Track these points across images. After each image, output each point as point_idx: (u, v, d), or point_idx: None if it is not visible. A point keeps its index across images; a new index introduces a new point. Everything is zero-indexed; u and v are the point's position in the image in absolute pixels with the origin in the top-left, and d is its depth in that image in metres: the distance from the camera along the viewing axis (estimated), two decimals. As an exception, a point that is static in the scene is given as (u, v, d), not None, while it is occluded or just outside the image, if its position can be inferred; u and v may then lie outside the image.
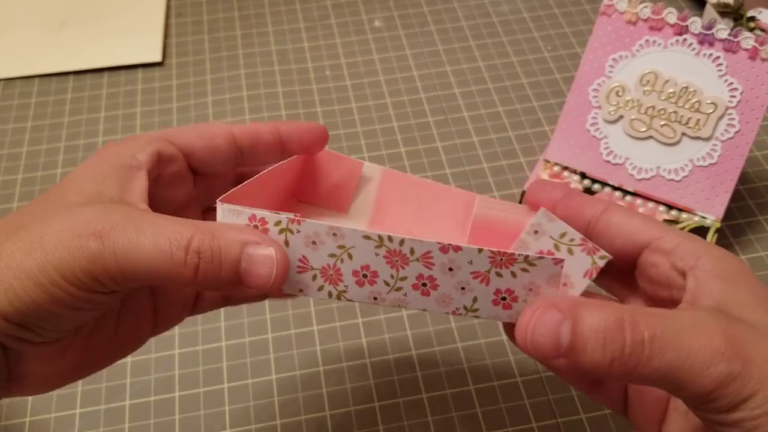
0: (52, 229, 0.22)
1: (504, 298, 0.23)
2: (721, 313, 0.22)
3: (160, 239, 0.21)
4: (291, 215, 0.22)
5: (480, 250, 0.21)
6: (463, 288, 0.22)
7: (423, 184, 0.32)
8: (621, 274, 0.28)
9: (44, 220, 0.22)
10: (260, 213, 0.23)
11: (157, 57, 0.62)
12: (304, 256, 0.23)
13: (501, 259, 0.21)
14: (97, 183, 0.24)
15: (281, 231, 0.23)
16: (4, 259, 0.22)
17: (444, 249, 0.22)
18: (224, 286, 0.22)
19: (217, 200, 0.23)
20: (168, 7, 0.67)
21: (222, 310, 0.45)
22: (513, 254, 0.21)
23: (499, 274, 0.22)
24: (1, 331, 0.22)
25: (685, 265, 0.24)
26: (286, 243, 0.23)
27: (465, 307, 0.23)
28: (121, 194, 0.24)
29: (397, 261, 0.22)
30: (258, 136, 0.29)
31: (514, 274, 0.22)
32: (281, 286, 0.23)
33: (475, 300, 0.23)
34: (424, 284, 0.23)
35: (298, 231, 0.22)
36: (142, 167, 0.25)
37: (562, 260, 0.22)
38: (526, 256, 0.21)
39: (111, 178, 0.25)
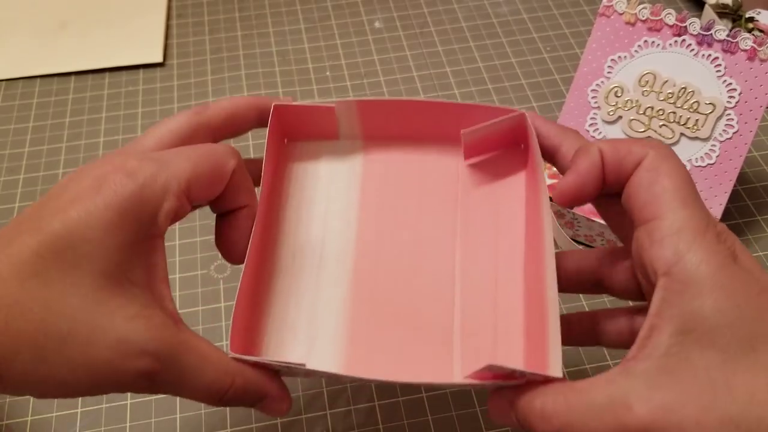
0: (97, 353, 0.23)
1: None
2: (652, 378, 0.22)
3: (201, 389, 0.25)
4: (296, 363, 0.25)
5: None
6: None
7: (402, 103, 0.33)
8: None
9: (79, 325, 0.23)
10: (263, 361, 0.26)
11: (158, 58, 0.62)
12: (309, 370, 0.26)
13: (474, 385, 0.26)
14: (120, 259, 0.24)
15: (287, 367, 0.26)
16: (43, 368, 0.22)
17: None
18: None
19: (230, 352, 0.26)
20: (169, 8, 0.67)
21: (222, 311, 0.45)
22: (484, 384, 0.26)
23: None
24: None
25: (661, 267, 0.23)
26: (291, 373, 0.27)
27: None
28: (148, 280, 0.25)
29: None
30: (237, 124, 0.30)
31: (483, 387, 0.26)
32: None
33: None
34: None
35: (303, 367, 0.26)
36: (161, 235, 0.25)
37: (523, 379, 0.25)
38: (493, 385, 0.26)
39: (136, 257, 0.24)
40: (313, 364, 0.29)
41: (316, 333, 0.30)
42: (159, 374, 0.24)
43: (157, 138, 0.28)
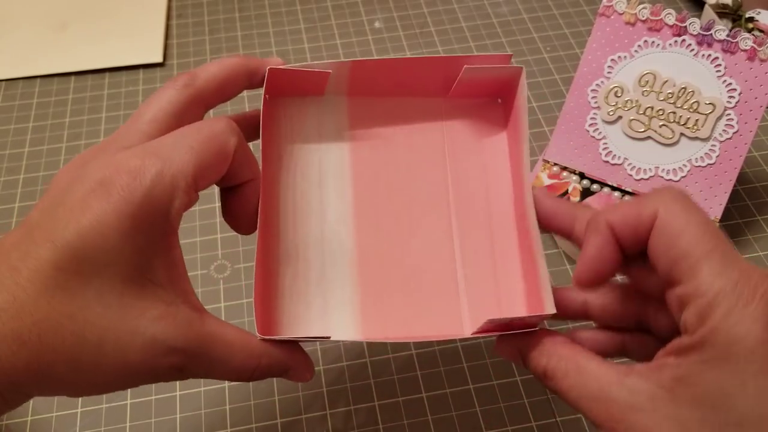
0: (129, 356, 0.24)
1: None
2: (654, 398, 0.22)
3: (229, 373, 0.26)
4: (322, 336, 0.28)
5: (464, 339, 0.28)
6: None
7: (395, 61, 0.34)
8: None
9: (106, 325, 0.23)
10: (292, 339, 0.28)
11: (158, 58, 0.62)
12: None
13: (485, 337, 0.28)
14: (138, 262, 0.24)
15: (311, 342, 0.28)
16: (78, 375, 0.24)
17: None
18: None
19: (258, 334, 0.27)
20: (169, 8, 0.67)
21: (222, 311, 0.45)
22: (493, 334, 0.28)
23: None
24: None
25: (695, 335, 0.22)
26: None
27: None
28: (169, 277, 0.25)
29: None
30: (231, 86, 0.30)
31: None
32: None
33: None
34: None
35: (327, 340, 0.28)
36: (174, 231, 0.25)
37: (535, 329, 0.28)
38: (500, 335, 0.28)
39: (154, 257, 0.25)
40: (335, 335, 0.30)
41: (328, 303, 0.31)
42: (188, 367, 0.25)
43: (151, 119, 0.27)
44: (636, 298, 0.29)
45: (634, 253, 0.26)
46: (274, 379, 0.42)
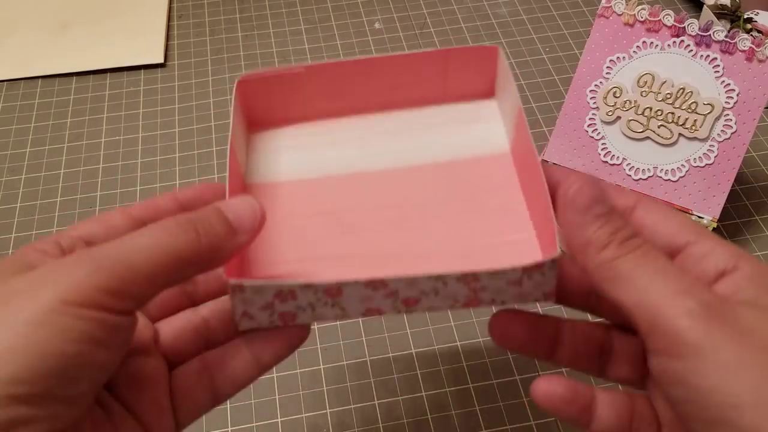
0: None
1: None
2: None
3: (153, 238, 0.22)
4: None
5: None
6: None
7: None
8: None
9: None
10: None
11: (159, 58, 0.62)
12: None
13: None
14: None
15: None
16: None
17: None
18: (226, 241, 0.24)
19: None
20: (170, 9, 0.67)
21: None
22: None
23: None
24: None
25: (723, 268, 0.23)
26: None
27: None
28: None
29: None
30: (156, 210, 0.27)
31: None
32: None
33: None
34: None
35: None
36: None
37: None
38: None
39: None
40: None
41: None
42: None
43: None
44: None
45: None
46: (275, 377, 0.42)
